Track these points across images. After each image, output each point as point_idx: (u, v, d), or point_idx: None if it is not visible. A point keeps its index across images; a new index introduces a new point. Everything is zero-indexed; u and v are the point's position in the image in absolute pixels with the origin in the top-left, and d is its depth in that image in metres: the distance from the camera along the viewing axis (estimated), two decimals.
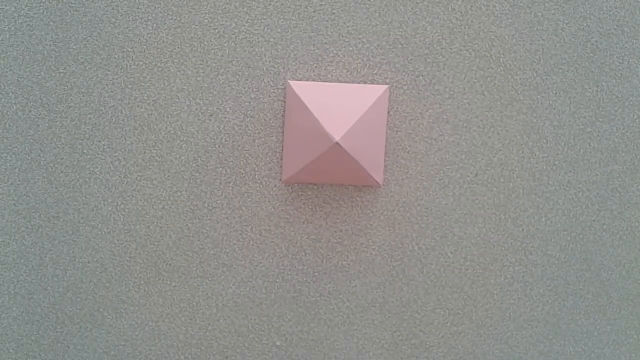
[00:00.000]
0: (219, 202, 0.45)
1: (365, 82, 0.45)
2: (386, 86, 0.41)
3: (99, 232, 0.46)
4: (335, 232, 0.46)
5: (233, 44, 0.44)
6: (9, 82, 0.44)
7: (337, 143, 0.40)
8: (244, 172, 0.45)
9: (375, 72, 0.45)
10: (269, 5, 0.44)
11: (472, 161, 0.45)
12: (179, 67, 0.45)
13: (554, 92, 0.45)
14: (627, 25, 0.45)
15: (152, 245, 0.46)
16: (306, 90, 0.43)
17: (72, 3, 0.44)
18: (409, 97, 0.45)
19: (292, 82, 0.43)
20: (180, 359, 0.46)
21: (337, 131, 0.40)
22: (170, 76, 0.45)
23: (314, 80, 0.45)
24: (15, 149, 0.45)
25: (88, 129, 0.45)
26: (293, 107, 0.43)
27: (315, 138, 0.41)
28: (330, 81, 0.45)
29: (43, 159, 0.45)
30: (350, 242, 0.46)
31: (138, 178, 0.45)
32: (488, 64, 0.45)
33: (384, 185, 0.45)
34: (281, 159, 0.45)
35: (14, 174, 0.45)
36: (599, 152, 0.46)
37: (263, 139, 0.45)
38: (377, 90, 0.43)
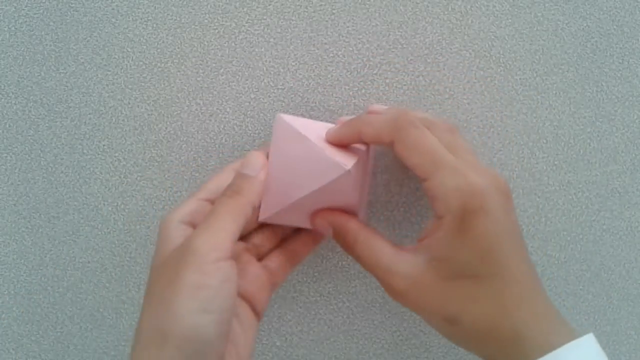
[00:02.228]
0: None
1: (365, 82, 0.45)
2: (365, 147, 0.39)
3: (99, 232, 0.46)
4: None
5: (233, 44, 0.44)
6: (9, 82, 0.44)
7: (348, 171, 0.37)
8: None
9: (375, 72, 0.45)
10: (269, 5, 0.44)
11: None
12: (179, 67, 0.45)
13: (554, 92, 0.45)
14: (627, 25, 0.45)
15: (152, 245, 0.46)
16: (299, 124, 0.39)
17: (72, 3, 0.44)
18: (409, 97, 0.45)
19: (283, 116, 0.39)
20: None
21: (346, 161, 0.37)
22: (170, 76, 0.45)
23: (309, 76, 0.45)
24: (15, 149, 0.45)
25: (88, 129, 0.45)
26: (285, 139, 0.38)
27: (317, 168, 0.37)
28: (326, 84, 0.45)
29: (43, 159, 0.45)
30: None
31: (138, 178, 0.45)
32: (488, 64, 0.45)
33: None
34: None
35: (14, 174, 0.45)
36: (599, 152, 0.46)
37: (263, 139, 0.45)
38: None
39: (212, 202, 0.38)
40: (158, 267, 0.34)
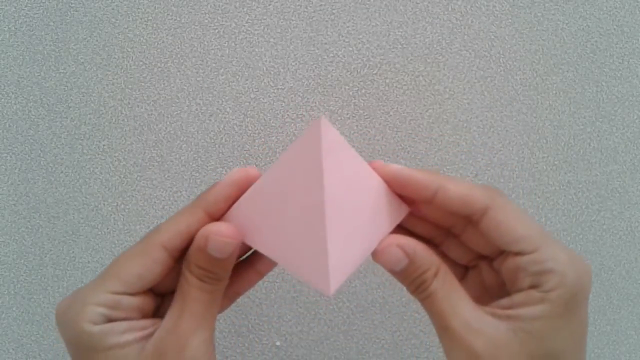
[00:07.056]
0: None
1: (365, 82, 0.45)
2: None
3: (99, 232, 0.46)
4: None
5: (233, 44, 0.44)
6: (9, 82, 0.44)
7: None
8: None
9: (375, 72, 0.45)
10: (269, 5, 0.44)
11: (472, 161, 0.45)
12: (179, 67, 0.45)
13: (554, 92, 0.45)
14: (627, 25, 0.45)
15: None
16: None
17: (72, 3, 0.44)
18: (408, 98, 0.45)
19: (327, 123, 0.29)
20: None
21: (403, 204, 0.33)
22: (170, 76, 0.45)
23: (309, 76, 0.45)
24: (15, 149, 0.45)
25: (88, 129, 0.45)
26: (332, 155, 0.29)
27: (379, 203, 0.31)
28: (326, 84, 0.45)
29: (43, 159, 0.45)
30: None
31: (138, 178, 0.45)
32: (488, 64, 0.45)
33: None
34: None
35: (14, 174, 0.45)
36: (599, 152, 0.46)
37: (263, 139, 0.45)
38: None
39: (131, 295, 0.30)
40: None
